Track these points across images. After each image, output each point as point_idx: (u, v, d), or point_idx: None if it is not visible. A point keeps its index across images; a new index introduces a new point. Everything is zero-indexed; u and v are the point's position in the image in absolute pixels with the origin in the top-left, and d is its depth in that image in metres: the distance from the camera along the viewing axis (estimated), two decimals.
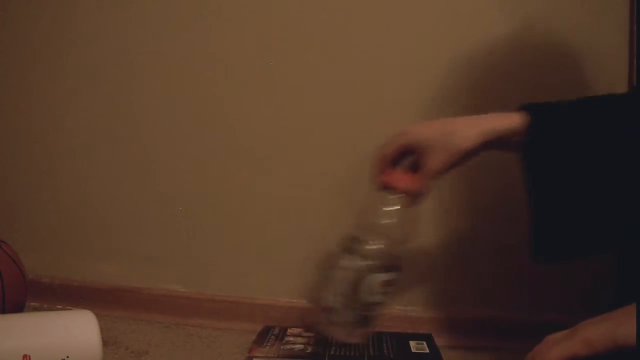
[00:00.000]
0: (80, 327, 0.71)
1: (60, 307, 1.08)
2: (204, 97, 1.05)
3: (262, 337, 0.89)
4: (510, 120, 0.70)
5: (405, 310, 1.00)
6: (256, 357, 0.82)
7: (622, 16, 0.93)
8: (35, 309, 1.07)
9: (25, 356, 0.66)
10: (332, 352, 0.83)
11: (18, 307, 0.90)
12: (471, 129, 0.71)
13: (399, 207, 0.75)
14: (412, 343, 0.88)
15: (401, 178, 0.75)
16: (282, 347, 0.85)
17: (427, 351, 0.86)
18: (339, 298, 0.73)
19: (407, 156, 0.76)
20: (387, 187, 0.75)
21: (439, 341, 0.90)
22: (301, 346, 0.85)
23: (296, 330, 0.93)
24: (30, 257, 1.00)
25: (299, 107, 1.03)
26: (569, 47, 0.96)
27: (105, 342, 0.75)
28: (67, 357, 0.68)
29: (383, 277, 0.74)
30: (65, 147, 1.11)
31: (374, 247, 0.74)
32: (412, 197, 0.75)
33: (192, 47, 1.05)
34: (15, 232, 1.07)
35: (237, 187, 1.05)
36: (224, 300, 1.04)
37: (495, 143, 0.71)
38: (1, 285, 0.86)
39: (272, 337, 0.89)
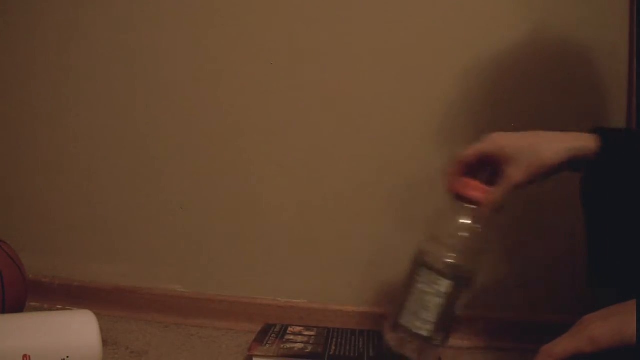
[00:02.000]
0: (80, 327, 0.71)
1: (60, 307, 1.09)
2: (205, 97, 1.05)
3: (262, 335, 0.89)
4: (588, 141, 0.68)
5: None
6: (256, 355, 0.82)
7: (622, 16, 0.93)
8: (35, 309, 1.07)
9: (25, 356, 0.66)
10: (331, 352, 0.83)
11: (18, 307, 0.90)
12: (557, 144, 0.69)
13: (473, 219, 0.71)
14: None
15: (477, 187, 0.72)
16: (282, 345, 0.85)
17: None
18: (429, 324, 0.72)
19: (484, 167, 0.73)
20: (460, 196, 0.72)
21: None
22: (301, 345, 0.85)
23: (297, 329, 0.93)
24: (30, 257, 1.00)
25: (298, 107, 1.03)
26: (570, 50, 0.96)
27: (105, 342, 0.75)
28: (67, 357, 0.68)
29: (465, 294, 0.73)
30: (66, 148, 1.11)
31: (450, 262, 0.71)
32: (486, 209, 0.71)
33: (195, 48, 1.05)
34: (15, 232, 1.07)
35: (238, 187, 1.05)
36: (224, 300, 1.04)
37: (573, 163, 0.69)
38: (1, 285, 0.86)
39: (273, 335, 0.89)
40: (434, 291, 0.72)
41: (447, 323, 0.73)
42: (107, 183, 1.10)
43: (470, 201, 0.71)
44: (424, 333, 0.72)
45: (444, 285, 0.71)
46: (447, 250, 0.73)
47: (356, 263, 1.02)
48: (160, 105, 1.07)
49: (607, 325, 0.55)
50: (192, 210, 1.07)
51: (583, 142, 0.68)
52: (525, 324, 0.96)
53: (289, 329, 0.93)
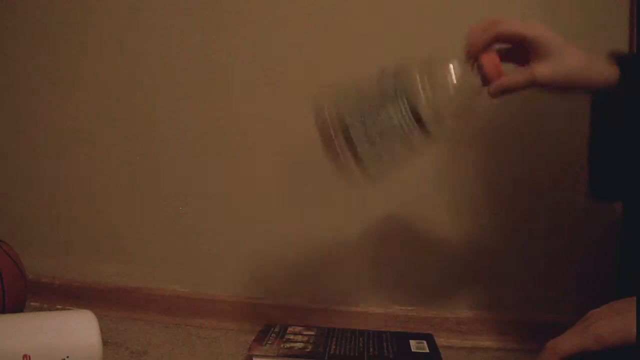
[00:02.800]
0: (80, 327, 0.71)
1: (60, 307, 1.08)
2: (204, 98, 1.05)
3: (262, 335, 0.89)
4: (610, 71, 0.66)
5: (406, 310, 1.00)
6: (256, 355, 0.82)
7: (622, 22, 0.93)
8: (35, 309, 1.07)
9: (25, 356, 0.66)
10: (332, 351, 0.83)
11: (18, 307, 0.90)
12: (584, 60, 0.66)
13: (474, 90, 0.66)
14: (412, 342, 0.88)
15: (498, 65, 0.66)
16: (282, 345, 0.85)
17: (427, 351, 0.86)
18: (371, 138, 0.66)
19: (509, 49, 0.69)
20: (479, 65, 0.66)
21: (439, 341, 0.90)
22: (301, 345, 0.85)
23: (297, 329, 0.93)
24: (30, 257, 1.00)
25: (299, 109, 1.03)
26: None
27: (105, 342, 0.75)
28: (67, 357, 0.68)
29: (416, 132, 0.66)
30: (66, 147, 1.11)
31: (426, 102, 0.64)
32: (498, 90, 0.66)
33: (193, 49, 1.05)
34: (15, 232, 1.07)
35: (238, 187, 1.05)
36: (224, 300, 1.04)
37: (590, 86, 0.67)
38: (1, 285, 0.86)
39: (273, 335, 0.89)
40: (390, 115, 0.66)
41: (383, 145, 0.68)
42: (108, 183, 1.10)
43: (486, 74, 0.66)
44: (359, 140, 0.67)
45: (415, 132, 0.66)
46: (432, 98, 0.66)
47: (356, 263, 1.02)
48: (160, 105, 1.07)
49: (613, 323, 0.55)
50: (192, 211, 1.07)
51: (603, 69, 0.66)
52: (526, 324, 0.96)
53: (289, 329, 0.93)
